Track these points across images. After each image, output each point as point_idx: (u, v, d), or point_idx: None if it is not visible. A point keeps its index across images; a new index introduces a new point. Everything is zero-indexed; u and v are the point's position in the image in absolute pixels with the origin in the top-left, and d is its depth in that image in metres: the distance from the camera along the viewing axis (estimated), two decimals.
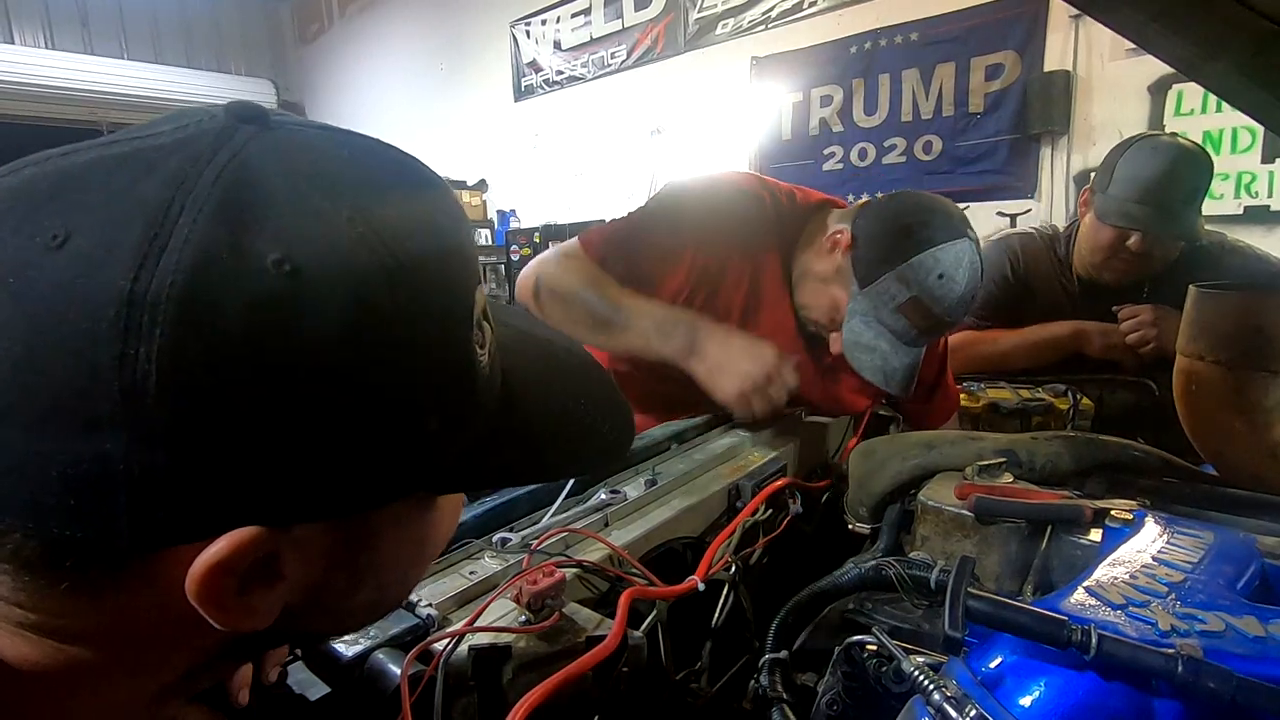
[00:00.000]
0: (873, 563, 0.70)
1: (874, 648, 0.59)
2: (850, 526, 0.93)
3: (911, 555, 0.73)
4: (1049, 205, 3.18)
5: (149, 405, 0.24)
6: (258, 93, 7.79)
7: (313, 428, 0.27)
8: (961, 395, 1.37)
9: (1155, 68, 2.80)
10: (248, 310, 0.25)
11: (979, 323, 1.63)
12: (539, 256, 1.24)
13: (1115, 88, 2.96)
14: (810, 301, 1.15)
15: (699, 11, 4.34)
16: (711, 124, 4.34)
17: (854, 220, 1.10)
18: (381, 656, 0.54)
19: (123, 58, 6.96)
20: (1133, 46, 2.77)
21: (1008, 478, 0.76)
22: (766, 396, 1.02)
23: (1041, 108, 3.10)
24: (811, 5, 3.83)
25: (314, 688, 0.54)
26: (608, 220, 1.24)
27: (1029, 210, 3.20)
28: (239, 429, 0.26)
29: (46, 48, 6.67)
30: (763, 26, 4.07)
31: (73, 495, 0.25)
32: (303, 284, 0.26)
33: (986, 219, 3.26)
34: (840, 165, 3.85)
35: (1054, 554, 0.66)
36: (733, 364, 1.03)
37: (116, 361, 0.24)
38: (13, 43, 6.52)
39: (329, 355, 0.27)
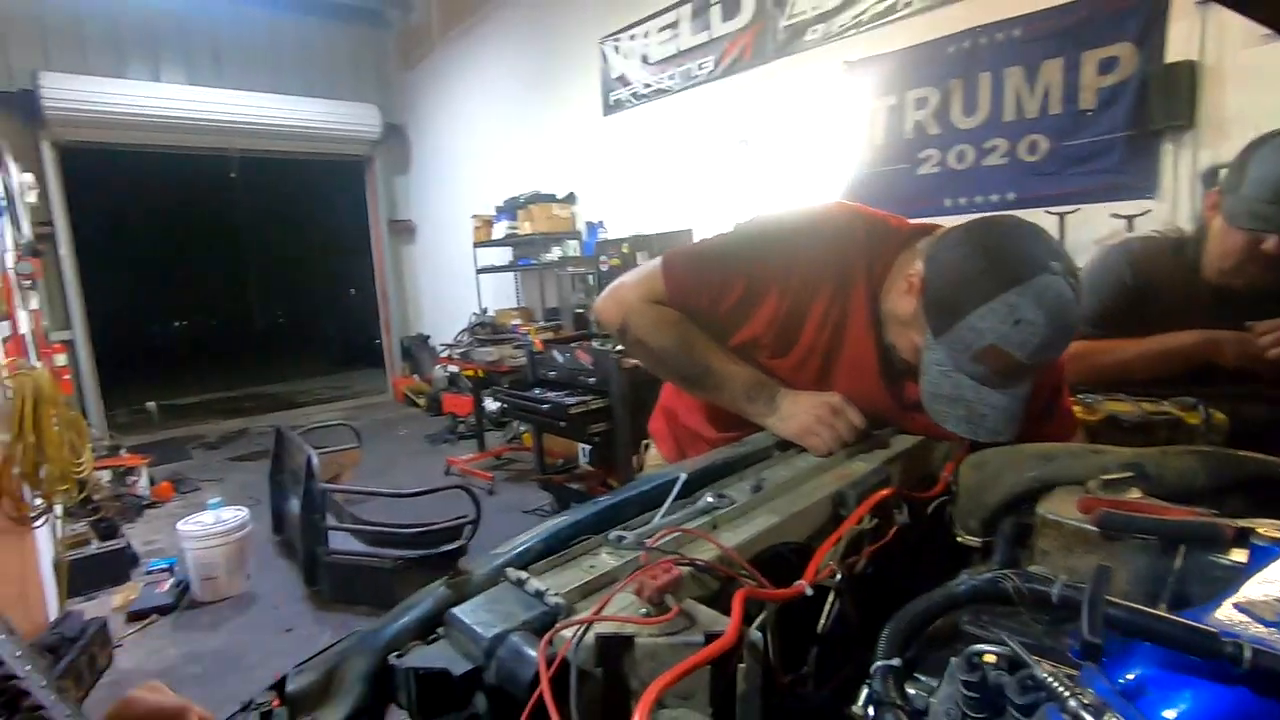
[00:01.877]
0: (989, 575, 0.69)
1: (993, 658, 0.58)
2: (959, 539, 0.91)
3: (1030, 569, 0.71)
4: (1172, 205, 2.95)
5: None
6: (366, 117, 8.35)
7: None
8: (1075, 407, 1.31)
9: None
10: None
11: (1094, 332, 1.55)
12: (621, 285, 1.24)
13: (1252, 77, 2.72)
14: (895, 343, 1.11)
15: (788, 19, 4.31)
16: (801, 131, 4.30)
17: (927, 256, 1.02)
18: (517, 638, 0.59)
19: (249, 89, 7.61)
20: (1269, 32, 2.55)
21: (1135, 493, 0.73)
22: (833, 430, 1.07)
23: (1163, 101, 2.89)
24: (906, 6, 3.74)
25: (457, 664, 0.60)
26: (694, 239, 1.26)
27: (1148, 211, 2.99)
28: None
29: (186, 83, 7.40)
30: (854, 30, 4.01)
31: None
32: None
33: (1100, 221, 3.07)
34: (937, 169, 3.72)
35: (1191, 573, 0.63)
36: (800, 410, 1.10)
37: None
38: (159, 80, 7.28)
39: None
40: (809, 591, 0.77)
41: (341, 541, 3.54)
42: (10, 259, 3.83)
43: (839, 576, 0.84)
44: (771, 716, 0.70)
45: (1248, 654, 0.36)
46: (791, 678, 0.82)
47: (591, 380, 4.09)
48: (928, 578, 0.85)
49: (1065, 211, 3.15)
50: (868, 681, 0.65)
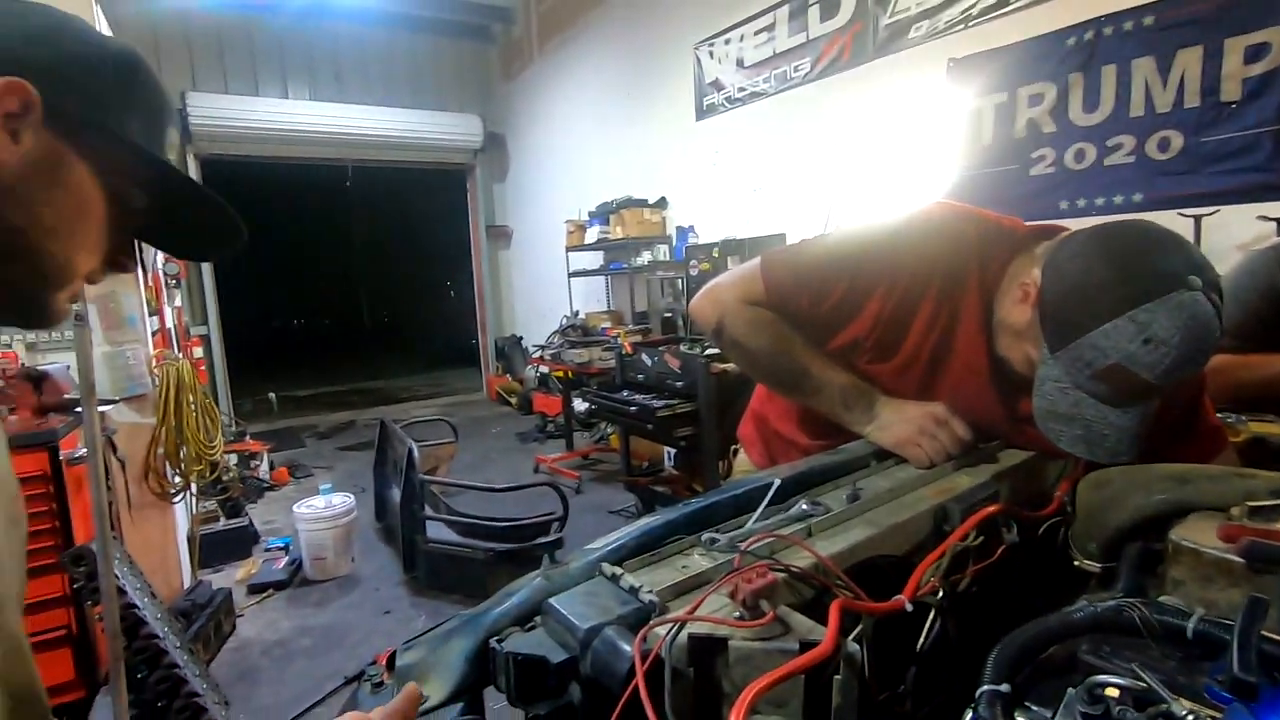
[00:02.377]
0: (1112, 603, 0.65)
1: (1116, 691, 0.54)
2: (1076, 562, 0.86)
3: (1160, 599, 0.66)
4: None
5: None
6: (469, 127, 8.74)
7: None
8: None
9: None
10: None
11: (1236, 345, 1.41)
12: (718, 285, 1.21)
13: None
14: (1008, 355, 1.03)
15: (890, 17, 4.17)
16: (900, 132, 4.15)
17: (1044, 264, 0.95)
18: (612, 632, 0.60)
19: (365, 104, 8.14)
20: None
21: None
22: (936, 442, 1.03)
23: None
24: None
25: (554, 652, 0.62)
26: (790, 242, 1.24)
27: None
28: None
29: (310, 99, 8.01)
30: (962, 25, 3.82)
31: None
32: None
33: (1243, 224, 2.78)
34: (1051, 169, 3.49)
35: None
36: (902, 419, 1.07)
37: None
38: (286, 98, 7.92)
39: None
40: (909, 607, 0.74)
41: (437, 531, 3.71)
42: (160, 260, 4.27)
43: (941, 594, 0.81)
44: None
45: None
46: (888, 695, 0.79)
47: (679, 384, 4.10)
48: (1038, 602, 0.80)
49: (1202, 214, 2.88)
50: (973, 705, 0.62)
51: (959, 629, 0.84)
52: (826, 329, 1.13)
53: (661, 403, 4.06)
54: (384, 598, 3.64)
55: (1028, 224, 1.08)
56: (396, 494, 3.86)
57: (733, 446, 1.43)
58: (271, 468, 5.85)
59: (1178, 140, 3.04)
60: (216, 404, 7.35)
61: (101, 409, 2.69)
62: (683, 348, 4.27)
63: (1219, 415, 1.22)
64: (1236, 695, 0.38)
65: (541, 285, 8.33)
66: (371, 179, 10.03)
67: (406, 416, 6.73)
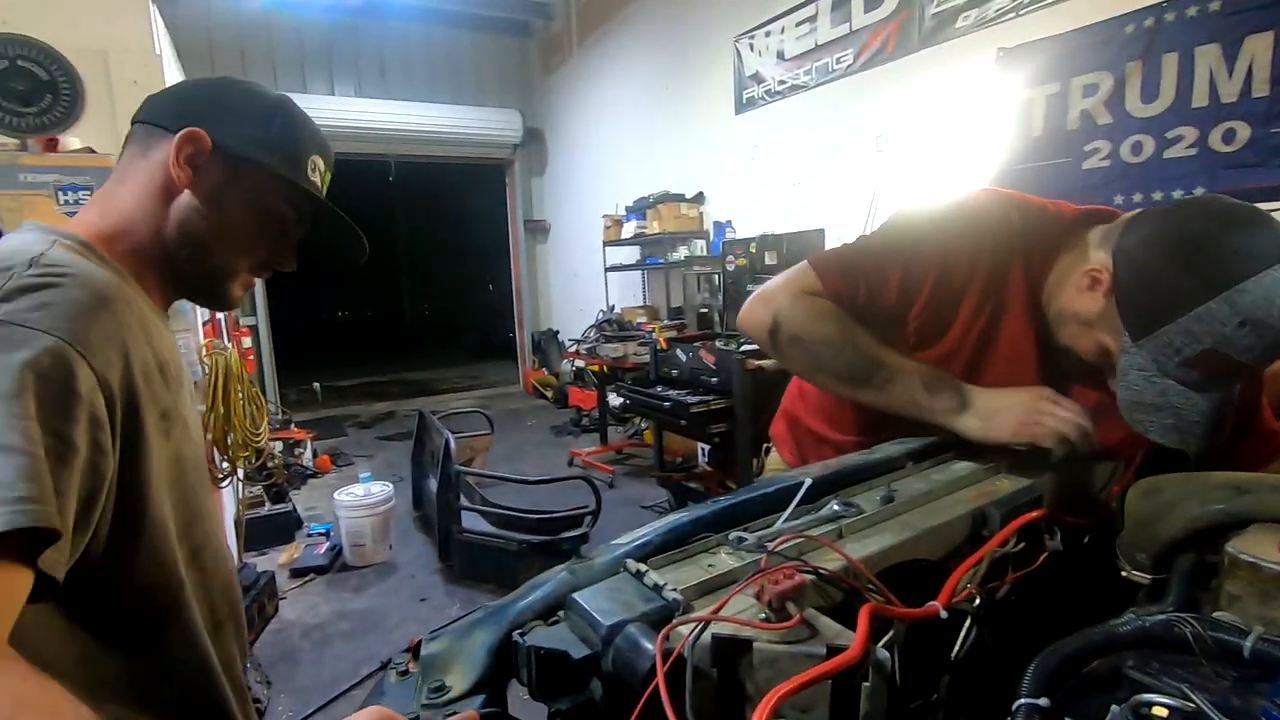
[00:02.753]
0: (1162, 618, 0.61)
1: (1164, 712, 0.52)
2: (1124, 573, 0.82)
3: (1214, 615, 0.62)
4: None
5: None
6: (508, 121, 8.82)
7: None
8: None
9: None
10: None
11: None
12: (766, 288, 1.14)
13: None
14: (1074, 344, 1.00)
15: (937, 6, 4.05)
16: (946, 124, 4.03)
17: (1116, 248, 0.91)
18: (635, 630, 0.59)
19: (408, 99, 8.28)
20: None
21: None
22: (1062, 418, 0.94)
23: None
24: None
25: (576, 647, 0.61)
26: (826, 239, 1.21)
27: None
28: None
29: (355, 95, 8.17)
30: (1013, 14, 3.69)
31: None
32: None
33: None
34: (1106, 162, 3.35)
35: None
36: (1008, 406, 0.97)
37: None
38: (333, 94, 8.10)
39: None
40: (943, 614, 0.71)
41: (472, 521, 3.77)
42: None
43: (978, 601, 0.78)
44: None
45: None
46: (920, 704, 0.77)
47: (714, 380, 4.07)
48: (1081, 613, 0.77)
49: (1273, 209, 2.73)
50: (1010, 718, 0.60)
51: (996, 638, 0.81)
52: (884, 319, 1.08)
53: (696, 398, 4.04)
54: (419, 585, 3.71)
55: (1076, 207, 1.04)
56: (433, 484, 3.93)
57: (765, 445, 1.41)
58: (315, 455, 6.02)
59: (1244, 132, 2.89)
60: (263, 393, 7.60)
61: None
62: (718, 344, 4.24)
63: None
64: None
65: (578, 280, 8.37)
66: (414, 174, 10.18)
67: (445, 408, 6.85)
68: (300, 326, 15.38)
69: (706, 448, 4.70)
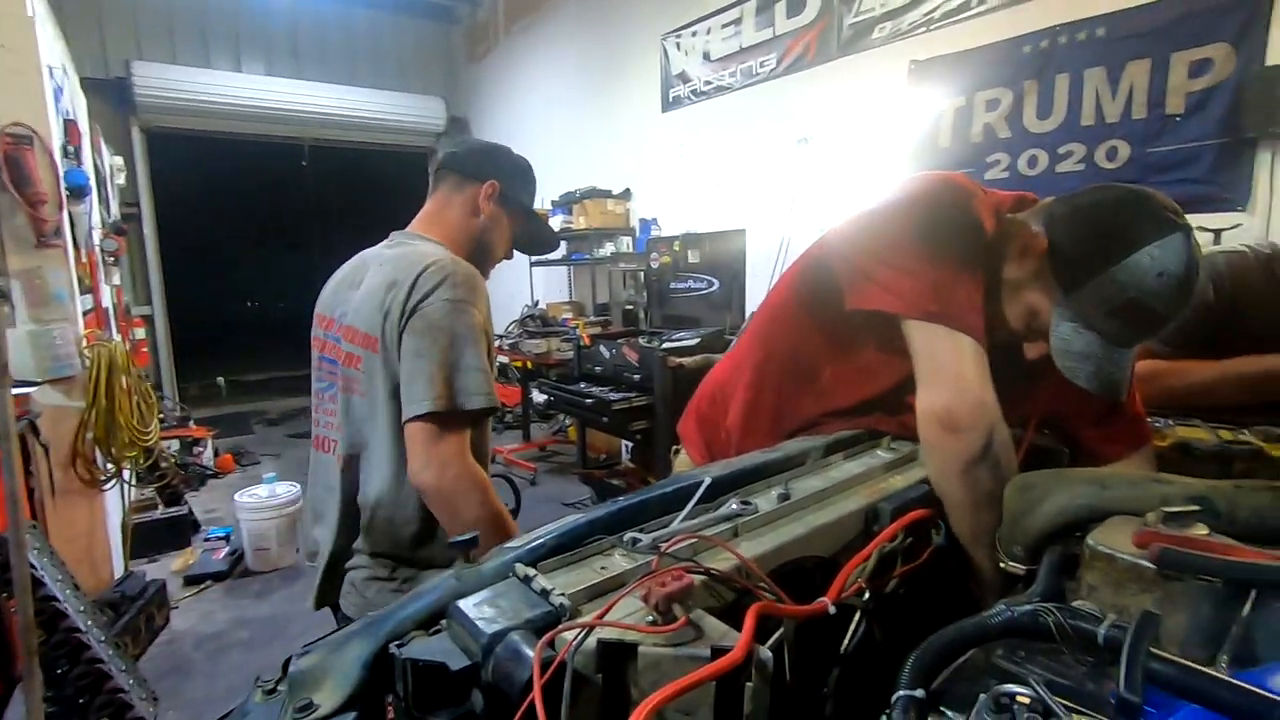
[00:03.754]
0: (1029, 608, 0.64)
1: (1026, 700, 0.54)
2: (1001, 565, 0.86)
3: (1074, 604, 0.66)
4: (1265, 220, 2.74)
5: None
6: (431, 109, 8.55)
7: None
8: None
9: None
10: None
11: (1170, 351, 1.44)
12: (960, 376, 0.93)
13: None
14: (1006, 310, 1.04)
15: (855, 16, 4.19)
16: (862, 131, 4.18)
17: (1047, 220, 1.00)
18: (516, 638, 0.57)
19: (323, 81, 7.89)
20: None
21: (1201, 529, 0.67)
22: None
23: (1260, 107, 2.68)
24: (980, 3, 3.58)
25: (455, 658, 0.58)
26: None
27: (1239, 225, 2.78)
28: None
29: (265, 74, 7.72)
30: (924, 28, 3.86)
31: None
32: None
33: None
34: (1006, 174, 3.56)
35: (1260, 623, 0.57)
36: None
37: None
38: (240, 71, 7.62)
39: None
40: (832, 610, 0.73)
41: None
42: (97, 236, 4.07)
43: (866, 596, 0.80)
44: None
45: None
46: (809, 698, 0.78)
47: (636, 377, 4.08)
48: (964, 605, 0.80)
49: None
50: (887, 712, 0.61)
51: (885, 632, 0.83)
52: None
53: (618, 395, 4.03)
54: None
55: (1000, 192, 1.10)
56: None
57: (674, 446, 1.41)
58: (216, 454, 5.66)
59: (1125, 150, 3.13)
60: (159, 388, 7.10)
61: (21, 390, 2.54)
62: (641, 340, 4.25)
63: (1149, 419, 1.25)
64: (1122, 715, 0.38)
65: (502, 273, 8.13)
66: (330, 159, 9.73)
67: None
68: (204, 317, 14.43)
69: (629, 445, 4.71)
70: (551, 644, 0.56)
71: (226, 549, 3.80)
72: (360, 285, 1.32)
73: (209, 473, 5.39)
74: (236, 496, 3.75)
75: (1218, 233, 2.79)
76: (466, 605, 0.61)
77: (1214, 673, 0.36)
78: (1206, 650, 0.59)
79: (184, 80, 7.05)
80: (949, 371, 0.94)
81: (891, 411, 1.11)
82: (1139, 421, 1.16)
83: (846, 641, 0.79)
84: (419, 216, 1.46)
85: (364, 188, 13.96)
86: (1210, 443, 1.21)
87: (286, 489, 3.79)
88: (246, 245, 16.44)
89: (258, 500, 3.68)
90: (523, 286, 7.36)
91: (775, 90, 4.75)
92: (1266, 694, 0.34)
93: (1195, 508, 0.68)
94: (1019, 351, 1.05)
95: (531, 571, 0.66)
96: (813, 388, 1.15)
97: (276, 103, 7.52)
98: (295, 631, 3.12)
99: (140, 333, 5.58)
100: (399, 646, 0.60)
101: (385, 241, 1.44)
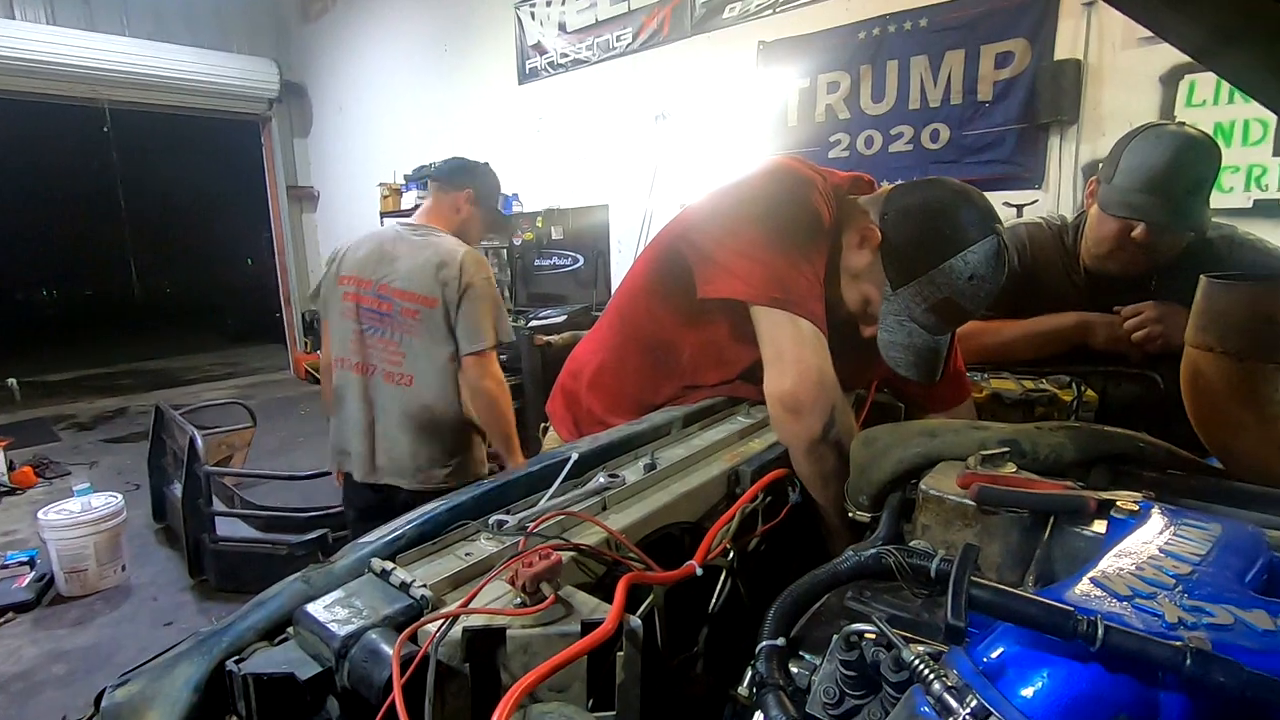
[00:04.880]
0: (872, 551, 0.69)
1: (873, 636, 0.58)
2: (851, 514, 0.92)
3: (912, 544, 0.72)
4: (1056, 196, 3.15)
5: None
6: (261, 72, 7.73)
7: None
8: None
9: (1168, 57, 2.76)
10: None
11: (984, 314, 1.62)
12: (800, 361, 0.97)
13: (1126, 77, 2.92)
14: (844, 295, 1.12)
15: None
16: (717, 109, 4.30)
17: (882, 213, 1.07)
18: (374, 636, 0.54)
19: (122, 34, 6.88)
20: (1146, 35, 2.73)
21: (1011, 468, 0.75)
22: None
23: (1051, 97, 3.06)
24: None
25: (304, 666, 0.54)
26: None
27: (1036, 201, 3.17)
28: None
29: (47, 23, 6.60)
30: (770, 11, 4.02)
31: None
32: None
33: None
34: (846, 153, 3.81)
35: (1057, 545, 0.65)
36: None
37: None
38: (13, 18, 6.45)
39: None
40: (699, 572, 0.75)
41: (230, 528, 3.31)
42: None
43: (731, 555, 0.84)
44: (653, 703, 0.68)
45: (1100, 632, 0.36)
46: (681, 659, 0.80)
47: (502, 357, 3.97)
48: (819, 556, 0.85)
49: None
50: (752, 663, 0.64)
51: (751, 588, 0.88)
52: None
53: None
54: (164, 607, 3.20)
55: (843, 174, 1.17)
56: (178, 489, 3.38)
57: (543, 424, 1.39)
58: (11, 467, 4.88)
59: (945, 133, 3.45)
60: None
61: None
62: None
63: (968, 373, 1.40)
64: (950, 640, 0.42)
65: None
66: (141, 127, 8.56)
67: (195, 400, 5.94)
68: None
69: None
70: (414, 639, 0.53)
71: (31, 575, 3.30)
72: (399, 259, 2.01)
73: (4, 489, 4.64)
74: (41, 514, 3.26)
75: (1020, 207, 3.16)
76: (315, 608, 0.57)
77: (1020, 593, 0.41)
78: (1017, 573, 0.67)
79: None
80: (791, 356, 0.98)
81: (752, 381, 1.16)
82: (961, 377, 1.30)
83: (714, 601, 0.82)
84: (421, 211, 2.20)
85: (189, 158, 12.45)
86: (1017, 392, 1.37)
87: (106, 500, 3.34)
88: (40, 224, 14.15)
89: (69, 516, 3.22)
90: None
91: (632, 65, 4.75)
92: (1061, 605, 0.39)
93: (1005, 449, 0.77)
94: (858, 329, 1.14)
95: (389, 565, 0.62)
96: (674, 369, 1.18)
97: (63, 57, 6.44)
98: (125, 658, 2.78)
99: None
100: (237, 662, 0.54)
101: (401, 225, 2.12)
